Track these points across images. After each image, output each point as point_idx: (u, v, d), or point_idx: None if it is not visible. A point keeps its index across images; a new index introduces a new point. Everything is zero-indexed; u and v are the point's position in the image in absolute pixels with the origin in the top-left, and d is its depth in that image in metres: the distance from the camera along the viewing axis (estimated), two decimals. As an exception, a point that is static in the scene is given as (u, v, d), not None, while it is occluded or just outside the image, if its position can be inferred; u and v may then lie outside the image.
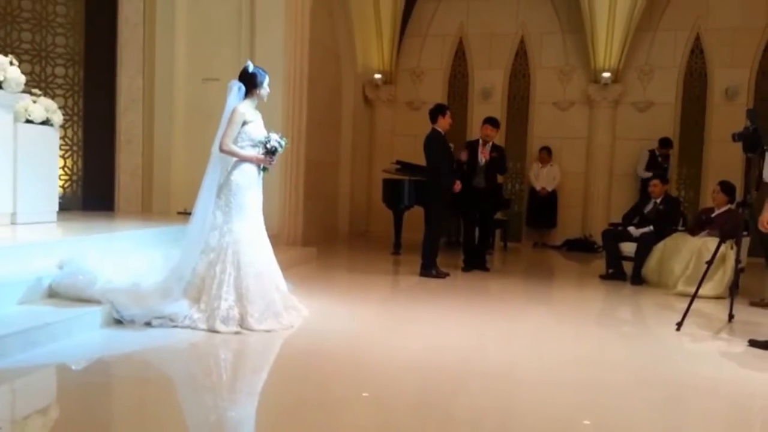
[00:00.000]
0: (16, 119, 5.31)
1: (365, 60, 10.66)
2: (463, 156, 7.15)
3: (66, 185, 7.40)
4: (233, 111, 4.20)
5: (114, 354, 3.66)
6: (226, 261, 4.08)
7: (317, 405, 2.97)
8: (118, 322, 3.98)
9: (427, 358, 3.81)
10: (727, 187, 6.55)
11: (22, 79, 5.21)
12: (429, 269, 6.62)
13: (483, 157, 7.19)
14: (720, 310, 5.27)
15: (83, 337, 3.73)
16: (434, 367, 3.64)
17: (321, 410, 2.91)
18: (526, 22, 10.34)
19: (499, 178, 8.02)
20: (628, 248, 6.95)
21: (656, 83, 9.89)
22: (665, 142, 9.40)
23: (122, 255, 4.52)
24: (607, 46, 9.68)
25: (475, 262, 7.23)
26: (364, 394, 3.16)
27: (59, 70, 7.39)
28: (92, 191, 7.54)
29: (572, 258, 9.13)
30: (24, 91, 5.34)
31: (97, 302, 3.97)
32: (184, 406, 3.06)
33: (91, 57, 7.52)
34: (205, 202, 4.20)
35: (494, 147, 7.28)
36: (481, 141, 7.27)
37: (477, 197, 7.20)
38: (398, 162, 8.62)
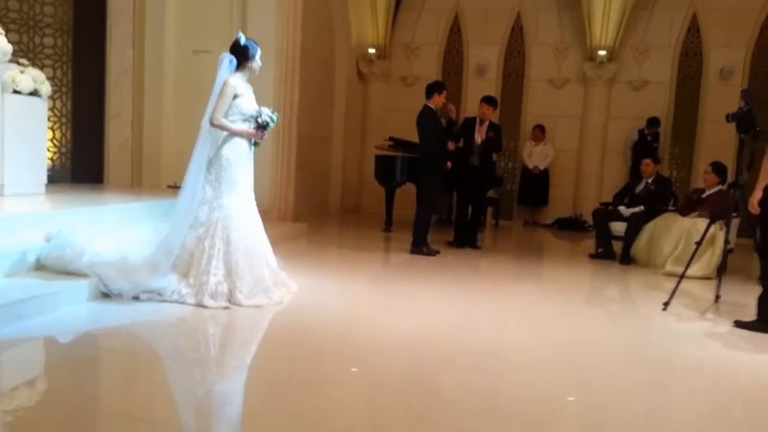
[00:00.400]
0: (3, 89, 5.22)
1: (359, 34, 10.54)
2: (452, 112, 7.02)
3: (54, 157, 7.31)
4: (224, 84, 4.14)
5: (101, 327, 3.66)
6: (216, 236, 4.06)
7: (306, 380, 2.98)
8: (106, 295, 3.97)
9: (416, 335, 3.83)
10: (718, 168, 6.56)
11: (9, 48, 5.12)
12: (420, 247, 6.62)
13: (479, 136, 7.15)
14: (707, 291, 5.31)
15: (70, 311, 3.72)
16: (423, 344, 3.66)
17: (309, 386, 2.93)
18: (522, -3, 10.22)
19: (494, 156, 7.99)
20: (618, 228, 6.97)
21: (651, 62, 9.84)
22: (653, 121, 9.40)
23: (111, 228, 4.49)
24: (603, 23, 9.60)
25: (467, 239, 7.25)
26: (352, 370, 3.18)
27: (47, 40, 7.26)
28: (81, 164, 7.46)
29: (563, 237, 9.16)
30: (11, 61, 5.24)
31: (85, 275, 3.95)
32: (172, 380, 3.07)
33: (80, 27, 7.39)
34: (194, 177, 4.15)
35: (491, 126, 7.23)
36: (478, 120, 7.22)
37: (472, 175, 7.19)
38: (391, 138, 8.56)
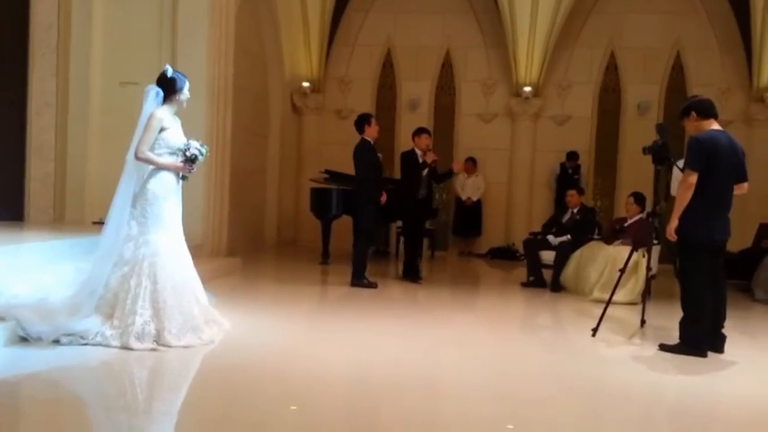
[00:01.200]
0: None
1: (293, 68, 10.58)
2: (457, 167, 7.20)
3: (-30, 193, 6.91)
4: (150, 116, 4.05)
5: (20, 373, 3.45)
6: (142, 274, 3.90)
7: (241, 422, 2.89)
8: (24, 339, 3.73)
9: (354, 369, 3.80)
10: (639, 198, 6.89)
11: None
12: (360, 279, 6.60)
13: (432, 161, 7.10)
14: (633, 316, 5.52)
15: (-16, 357, 3.49)
16: (362, 378, 3.63)
17: (245, 427, 2.84)
18: (451, 35, 10.56)
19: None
20: (548, 256, 7.18)
21: (574, 98, 10.32)
22: (571, 155, 9.86)
23: (30, 268, 4.25)
24: (528, 61, 10.03)
25: (418, 270, 7.21)
26: (291, 408, 3.10)
27: (-37, 71, 6.92)
28: (0, 200, 7.07)
29: (496, 266, 9.35)
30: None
31: (1, 319, 3.72)
32: (97, 428, 2.91)
33: (0, 57, 7.08)
34: (119, 212, 4.01)
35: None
36: (420, 152, 7.13)
37: (418, 208, 7.18)
38: (326, 171, 8.58)
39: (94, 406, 3.20)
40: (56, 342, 3.75)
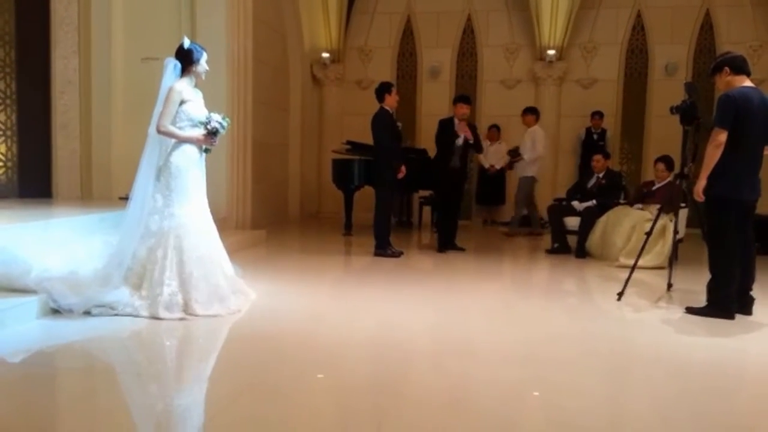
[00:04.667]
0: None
1: (312, 39, 10.50)
2: (466, 133, 6.86)
3: (0, 172, 7.06)
4: (170, 90, 4.07)
5: (53, 345, 3.54)
6: (168, 246, 3.97)
7: (268, 388, 2.94)
8: (56, 311, 3.84)
9: (380, 336, 3.82)
10: (669, 163, 6.71)
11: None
12: (383, 248, 6.62)
13: (467, 135, 6.91)
14: (660, 280, 5.45)
15: (19, 329, 3.59)
16: (387, 344, 3.65)
17: (272, 392, 2.88)
18: (472, -1, 10.35)
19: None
20: (573, 222, 7.11)
21: (599, 60, 10.08)
22: (596, 114, 9.63)
23: (60, 242, 4.34)
24: (552, 23, 9.79)
25: (449, 242, 7.14)
26: (318, 376, 3.14)
27: (-12, 52, 7.01)
28: (29, 178, 7.21)
29: (520, 233, 9.27)
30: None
31: (33, 292, 3.82)
32: (130, 396, 2.98)
33: (24, 37, 7.15)
34: (143, 186, 4.06)
35: (469, 125, 7.06)
36: (457, 121, 6.95)
37: (452, 178, 7.02)
38: (348, 142, 8.55)
39: (126, 374, 3.27)
40: (87, 313, 3.85)
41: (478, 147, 7.26)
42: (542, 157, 8.73)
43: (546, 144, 8.68)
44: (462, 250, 7.17)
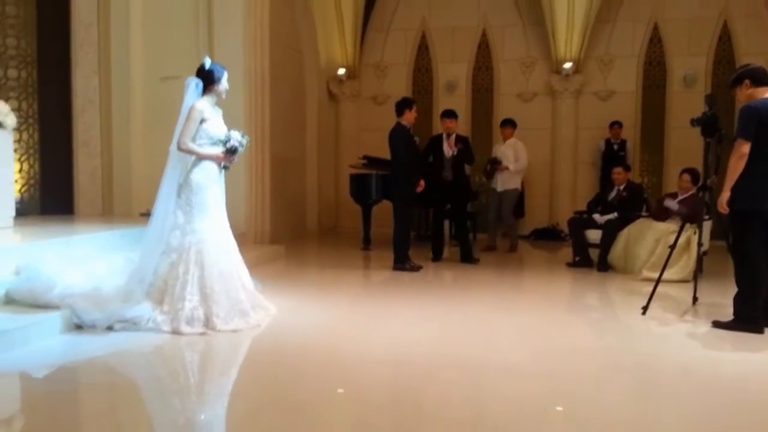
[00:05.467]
0: (-34, 123, 5.12)
1: (328, 55, 10.58)
2: (449, 146, 7.18)
3: (23, 190, 7.17)
4: (191, 108, 4.12)
5: (76, 360, 3.56)
6: (189, 261, 3.99)
7: (289, 403, 2.93)
8: (79, 327, 3.87)
9: (400, 351, 3.79)
10: (695, 176, 6.56)
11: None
12: (402, 263, 6.60)
13: (450, 149, 7.21)
14: (685, 293, 5.35)
15: (43, 344, 3.62)
16: (407, 360, 3.62)
17: (293, 408, 2.87)
18: (487, 14, 10.38)
19: (468, 169, 8.05)
20: (594, 235, 7.03)
21: (617, 72, 10.03)
22: (614, 123, 9.54)
23: (82, 259, 4.39)
24: (568, 37, 9.78)
25: (463, 255, 7.20)
26: (339, 391, 3.12)
27: (11, 72, 7.15)
28: (51, 195, 7.32)
29: (540, 247, 9.21)
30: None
31: (56, 308, 3.85)
32: (152, 411, 2.99)
33: (45, 57, 7.30)
34: (164, 202, 4.10)
35: (458, 138, 7.29)
36: (444, 134, 7.30)
37: (445, 190, 7.22)
38: (365, 157, 8.57)
39: (149, 389, 3.29)
40: (110, 329, 3.88)
41: (469, 158, 7.40)
42: (525, 168, 8.70)
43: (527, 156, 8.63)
44: (477, 261, 7.22)
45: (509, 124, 8.64)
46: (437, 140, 7.37)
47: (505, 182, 8.46)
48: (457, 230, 7.42)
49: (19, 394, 3.17)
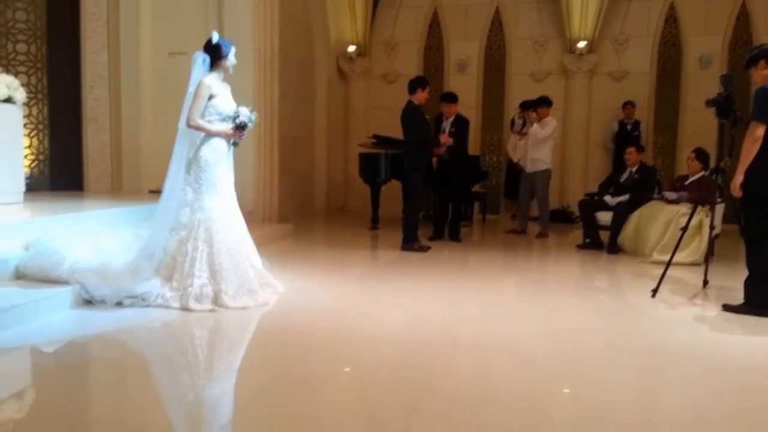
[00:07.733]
0: (-25, 97, 5.11)
1: (338, 32, 10.47)
2: (444, 139, 7.15)
3: (32, 165, 7.19)
4: (199, 84, 4.09)
5: (86, 335, 3.59)
6: (198, 238, 3.99)
7: (296, 380, 2.94)
8: (88, 302, 3.90)
9: (407, 330, 3.80)
10: (701, 154, 6.58)
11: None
12: (410, 243, 6.59)
13: (445, 140, 7.15)
14: (695, 277, 5.32)
15: (52, 319, 3.65)
16: (415, 339, 3.62)
17: (300, 385, 2.88)
18: (500, -9, 10.22)
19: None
20: (605, 217, 6.98)
21: (631, 53, 9.87)
22: (627, 104, 9.42)
23: (91, 235, 4.40)
24: (582, 15, 9.62)
25: (450, 232, 7.32)
26: (346, 369, 3.13)
27: (21, 47, 7.14)
28: (60, 171, 7.34)
29: (550, 229, 9.12)
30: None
31: (66, 283, 3.88)
32: (161, 386, 3.02)
33: (54, 32, 7.27)
34: (174, 179, 4.09)
35: (456, 121, 7.29)
36: (444, 118, 7.35)
37: (442, 171, 7.26)
38: (375, 136, 8.51)
39: (158, 364, 3.31)
40: (119, 304, 3.90)
41: (460, 142, 7.30)
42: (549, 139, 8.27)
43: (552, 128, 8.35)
44: (459, 241, 7.29)
45: (545, 103, 8.30)
46: (440, 121, 7.41)
47: (534, 163, 8.24)
48: (453, 209, 7.44)
49: (30, 368, 3.20)
